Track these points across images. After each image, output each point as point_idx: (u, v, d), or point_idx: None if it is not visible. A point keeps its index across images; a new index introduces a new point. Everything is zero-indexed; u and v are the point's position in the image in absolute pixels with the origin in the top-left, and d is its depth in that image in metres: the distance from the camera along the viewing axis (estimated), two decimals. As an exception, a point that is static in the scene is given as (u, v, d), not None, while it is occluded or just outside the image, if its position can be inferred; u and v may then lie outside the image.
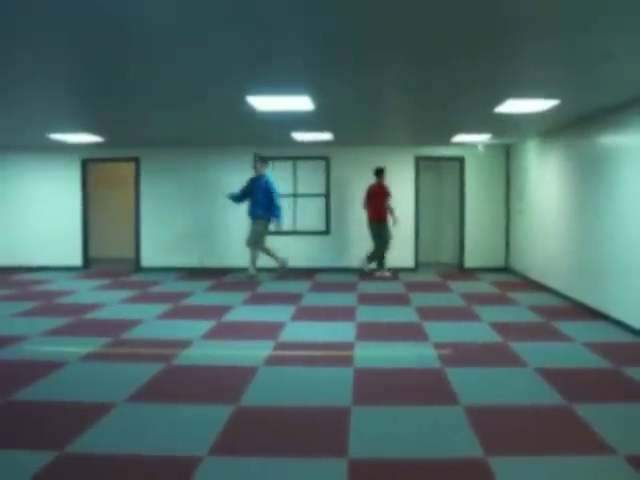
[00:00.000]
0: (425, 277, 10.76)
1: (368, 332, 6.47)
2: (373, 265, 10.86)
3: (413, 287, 9.62)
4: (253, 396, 4.46)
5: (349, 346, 5.88)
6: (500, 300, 8.50)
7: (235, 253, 11.47)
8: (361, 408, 4.21)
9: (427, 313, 7.48)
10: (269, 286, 9.76)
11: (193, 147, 11.59)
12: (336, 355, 5.57)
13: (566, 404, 4.26)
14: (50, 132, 8.99)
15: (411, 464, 3.35)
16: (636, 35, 3.80)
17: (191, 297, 8.69)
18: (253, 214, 10.08)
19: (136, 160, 11.86)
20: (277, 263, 10.53)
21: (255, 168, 10.16)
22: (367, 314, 7.44)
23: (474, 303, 8.19)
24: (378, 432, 3.79)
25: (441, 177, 13.06)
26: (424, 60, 4.55)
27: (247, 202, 10.31)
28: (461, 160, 11.76)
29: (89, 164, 12.21)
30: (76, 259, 12.00)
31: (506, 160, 11.70)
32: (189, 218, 11.83)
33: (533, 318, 7.23)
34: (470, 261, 11.78)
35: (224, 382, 4.79)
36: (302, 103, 6.36)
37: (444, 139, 10.24)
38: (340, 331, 6.51)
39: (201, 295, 8.90)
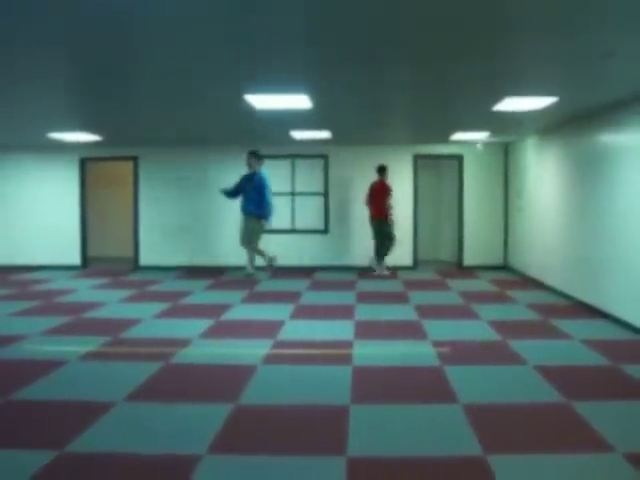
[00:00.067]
0: (424, 275, 10.76)
1: (367, 330, 6.47)
2: (383, 263, 10.83)
3: (412, 285, 9.62)
4: (252, 395, 4.46)
5: (348, 344, 5.89)
6: (499, 298, 8.51)
7: (234, 252, 11.45)
8: (360, 406, 4.21)
9: (426, 311, 7.49)
10: (267, 285, 9.77)
11: (192, 146, 11.58)
12: (335, 353, 5.57)
13: (565, 402, 4.27)
14: (49, 131, 8.98)
15: (410, 462, 3.35)
16: (635, 33, 3.80)
17: (190, 296, 8.69)
18: (245, 210, 9.98)
19: (135, 159, 11.85)
20: (265, 261, 10.42)
21: (249, 165, 10.08)
22: (366, 312, 7.44)
23: (473, 301, 8.19)
24: (377, 430, 3.80)
25: (440, 175, 13.06)
26: (422, 59, 4.55)
27: (240, 198, 10.22)
28: (460, 158, 11.76)
29: (88, 163, 12.19)
30: (75, 258, 12.00)
31: (505, 158, 11.71)
32: (188, 217, 11.82)
33: (532, 316, 7.24)
34: (469, 259, 11.79)
35: (223, 381, 4.80)
36: (300, 101, 6.35)
37: (443, 137, 10.24)
38: (339, 329, 6.52)
39: (200, 294, 8.90)
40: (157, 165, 11.83)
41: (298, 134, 9.60)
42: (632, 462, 3.30)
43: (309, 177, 11.81)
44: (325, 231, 11.80)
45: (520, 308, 7.75)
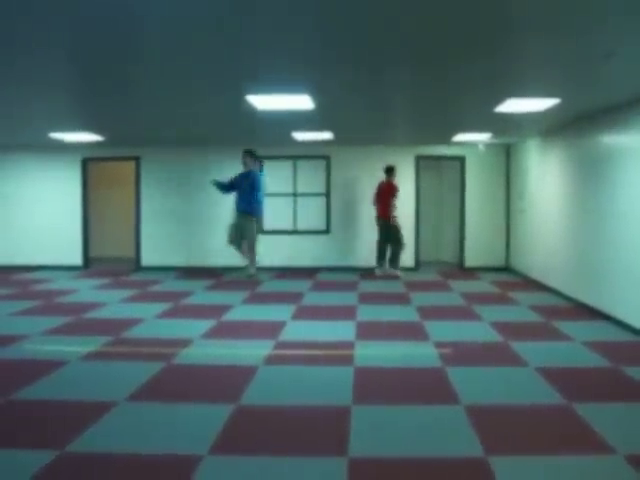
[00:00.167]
0: (426, 276, 10.75)
1: (368, 331, 6.47)
2: (398, 266, 10.80)
3: (413, 286, 9.62)
4: (253, 395, 4.46)
5: (349, 345, 5.88)
6: (501, 300, 8.50)
7: (236, 252, 11.44)
8: (361, 407, 4.21)
9: (427, 312, 7.48)
10: (269, 285, 9.77)
11: (194, 146, 11.59)
12: (336, 354, 5.57)
13: (566, 403, 4.26)
14: (50, 131, 8.99)
15: (411, 463, 3.35)
16: (637, 33, 3.79)
17: (191, 296, 8.69)
18: (240, 208, 9.89)
19: (136, 159, 11.86)
20: (246, 265, 10.28)
21: (244, 163, 10.02)
22: (367, 313, 7.43)
23: (475, 302, 8.18)
24: (378, 431, 3.79)
25: (441, 176, 13.06)
26: (424, 59, 4.55)
27: (234, 196, 10.09)
28: (462, 159, 11.76)
29: (89, 163, 12.20)
30: (76, 258, 12.01)
31: (507, 159, 11.70)
32: (190, 217, 11.83)
33: (533, 318, 7.23)
34: (470, 260, 11.78)
35: (224, 381, 4.80)
36: (302, 102, 6.35)
37: (444, 138, 10.24)
38: (340, 330, 6.51)
39: (201, 294, 8.90)
40: (159, 165, 11.84)
41: (300, 135, 9.60)
42: (633, 464, 3.29)
43: (311, 178, 11.81)
44: (327, 232, 11.80)
45: (522, 310, 7.74)
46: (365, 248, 11.66)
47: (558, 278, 8.75)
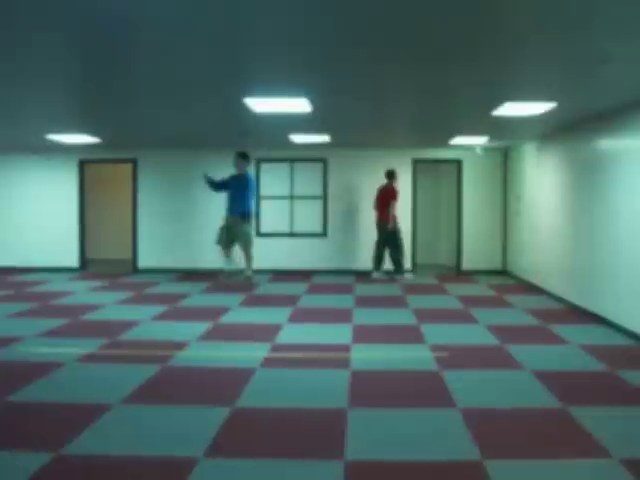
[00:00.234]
0: (422, 280, 10.76)
1: (365, 334, 6.47)
2: (407, 270, 10.78)
3: (410, 289, 9.62)
4: (249, 398, 4.46)
5: (346, 348, 5.88)
6: (497, 303, 8.51)
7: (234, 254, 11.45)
8: (358, 411, 4.21)
9: (424, 316, 7.49)
10: (266, 288, 9.76)
11: (191, 149, 11.59)
12: (333, 357, 5.57)
13: (562, 407, 4.27)
14: (47, 133, 8.98)
15: (407, 467, 3.35)
16: (634, 38, 3.81)
17: (188, 298, 8.69)
18: (233, 212, 9.85)
19: (134, 161, 11.85)
20: (225, 267, 10.19)
21: (237, 166, 10.00)
22: (364, 316, 7.44)
23: (471, 306, 8.19)
24: (375, 434, 3.79)
25: (439, 180, 13.09)
26: (422, 62, 4.56)
27: (226, 198, 10.04)
28: (459, 163, 11.78)
29: (86, 165, 12.20)
30: (73, 260, 11.99)
31: (504, 163, 11.73)
32: (186, 220, 11.83)
33: (530, 321, 7.24)
34: (467, 264, 11.79)
35: (221, 384, 4.79)
36: (300, 105, 6.36)
37: (442, 141, 10.26)
38: (337, 333, 6.51)
39: (198, 297, 8.89)
40: (156, 167, 11.83)
41: (297, 138, 9.61)
42: (628, 468, 3.29)
43: (308, 181, 11.82)
44: (324, 234, 11.81)
45: (518, 313, 7.75)
46: (362, 251, 11.67)
47: (555, 281, 8.77)
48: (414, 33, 3.77)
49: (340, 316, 7.44)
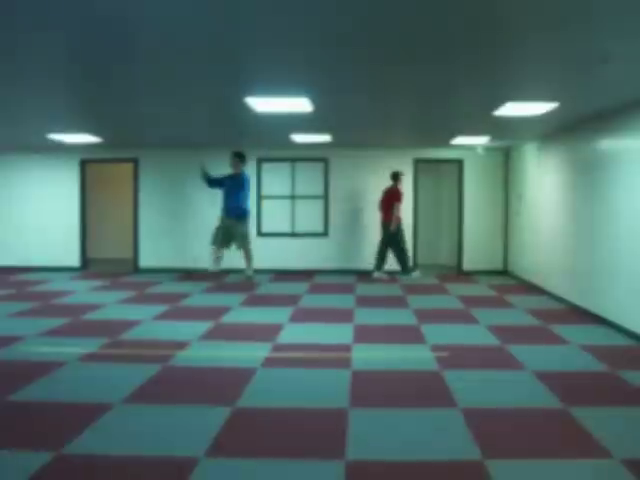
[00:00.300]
0: (423, 279, 10.75)
1: (366, 334, 6.47)
2: (415, 273, 10.77)
3: (411, 289, 9.62)
4: (250, 398, 4.46)
5: (347, 348, 5.88)
6: (498, 303, 8.51)
7: (234, 254, 11.44)
8: (358, 410, 4.21)
9: (425, 316, 7.49)
10: (267, 288, 9.77)
11: (192, 148, 11.59)
12: (334, 357, 5.57)
13: (563, 407, 4.27)
14: (49, 132, 8.99)
15: (408, 467, 3.35)
16: (635, 38, 3.81)
17: (189, 298, 8.69)
18: (230, 213, 9.84)
19: (135, 161, 11.86)
20: (211, 266, 10.17)
21: (233, 165, 9.92)
22: (365, 316, 7.44)
23: (472, 306, 8.19)
24: (375, 434, 3.79)
25: (440, 179, 13.08)
26: (423, 62, 4.56)
27: (221, 197, 10.01)
28: (460, 163, 11.78)
29: (88, 165, 12.20)
30: (74, 260, 12.00)
31: (505, 163, 11.72)
32: (187, 219, 11.83)
33: (531, 321, 7.24)
34: (468, 264, 11.79)
35: (221, 384, 4.79)
36: (301, 105, 6.36)
37: (443, 141, 10.25)
38: (338, 333, 6.51)
39: (199, 296, 8.90)
40: (157, 167, 11.84)
41: (298, 137, 9.61)
42: (629, 468, 3.29)
43: (309, 180, 11.82)
44: (325, 234, 11.80)
45: (519, 313, 7.74)
46: (363, 251, 11.67)
47: (555, 282, 8.76)
48: (415, 33, 3.77)
49: (341, 316, 7.44)
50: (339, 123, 8.03)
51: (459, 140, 9.85)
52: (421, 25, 3.60)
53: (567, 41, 3.92)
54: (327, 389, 4.66)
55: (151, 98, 6.16)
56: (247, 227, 10.01)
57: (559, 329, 6.76)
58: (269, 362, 5.39)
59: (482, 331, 6.66)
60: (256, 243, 11.59)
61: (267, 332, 6.53)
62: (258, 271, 10.97)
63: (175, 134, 9.35)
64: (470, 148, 11.42)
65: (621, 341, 6.25)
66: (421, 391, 4.64)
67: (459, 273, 11.72)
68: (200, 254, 11.52)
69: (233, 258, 10.96)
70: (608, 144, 6.99)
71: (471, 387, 4.72)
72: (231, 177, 9.96)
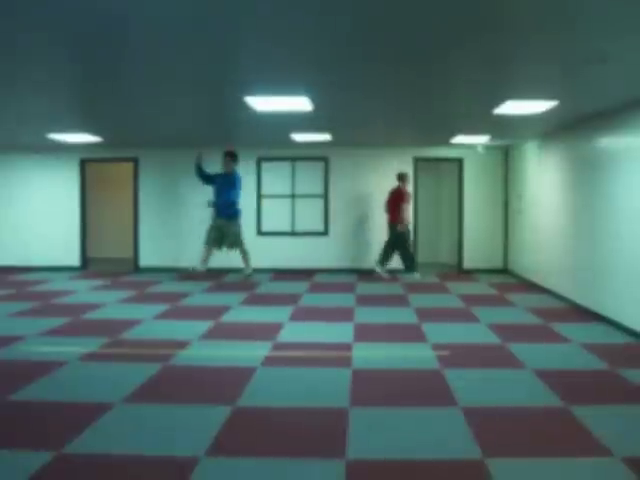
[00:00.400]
0: (424, 278, 10.75)
1: (366, 333, 6.47)
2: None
3: (412, 288, 9.62)
4: (251, 397, 4.46)
5: (347, 347, 5.89)
6: (498, 302, 8.51)
7: (234, 254, 11.45)
8: (359, 409, 4.21)
9: (426, 314, 7.49)
10: (267, 287, 9.77)
11: (192, 148, 11.58)
12: (334, 356, 5.57)
13: (564, 406, 4.27)
14: (49, 132, 8.99)
15: (409, 466, 3.35)
16: (634, 37, 3.81)
17: (189, 297, 8.69)
18: (223, 214, 9.85)
19: (135, 160, 11.86)
20: (198, 266, 10.15)
21: (224, 165, 9.91)
22: (365, 315, 7.44)
23: (473, 304, 8.19)
24: (376, 433, 3.79)
25: (440, 178, 13.08)
26: (423, 61, 4.56)
27: (215, 200, 9.98)
28: (460, 161, 11.77)
29: (88, 164, 12.20)
30: (74, 259, 12.00)
31: (505, 161, 11.72)
32: (188, 219, 11.83)
33: (531, 320, 7.24)
34: (469, 262, 11.79)
35: (222, 383, 4.79)
36: (301, 104, 6.36)
37: (443, 140, 10.25)
38: (338, 332, 6.51)
39: (199, 295, 8.90)
40: (157, 167, 11.83)
41: (298, 136, 9.61)
42: (630, 466, 3.29)
43: (309, 179, 11.82)
44: (325, 233, 11.80)
45: (520, 312, 7.74)
46: (364, 250, 11.67)
47: (556, 280, 8.76)
48: (415, 32, 3.77)
49: (341, 315, 7.44)
50: (339, 122, 8.03)
51: (459, 139, 9.85)
52: (421, 24, 3.60)
53: (566, 41, 3.92)
54: (327, 388, 4.66)
55: (151, 98, 6.15)
56: (239, 227, 10.01)
57: (559, 327, 6.76)
58: (269, 361, 5.39)
59: (483, 330, 6.66)
60: (256, 242, 11.62)
61: (267, 331, 6.53)
62: (258, 270, 10.98)
63: (175, 134, 9.35)
64: (470, 147, 11.42)
65: (621, 339, 6.25)
66: (422, 390, 4.64)
67: (459, 272, 11.72)
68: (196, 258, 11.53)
69: (233, 258, 10.98)
70: (608, 142, 6.99)
71: (472, 386, 4.72)
72: (223, 176, 9.96)
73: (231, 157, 9.92)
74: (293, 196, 11.83)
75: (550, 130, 8.79)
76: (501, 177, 11.72)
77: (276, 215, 11.85)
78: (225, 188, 9.84)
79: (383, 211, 11.26)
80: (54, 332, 6.46)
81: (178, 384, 4.76)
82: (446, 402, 4.36)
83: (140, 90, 5.76)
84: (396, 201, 10.59)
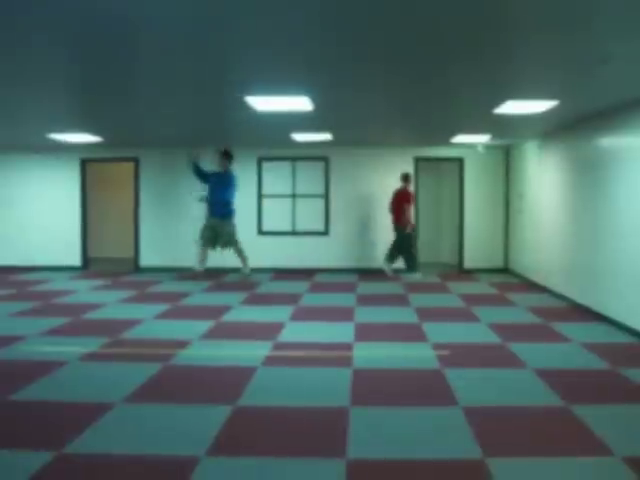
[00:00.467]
0: (424, 278, 10.75)
1: (367, 333, 6.47)
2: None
3: (412, 288, 9.62)
4: (251, 396, 4.46)
5: (348, 347, 5.88)
6: (499, 301, 8.51)
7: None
8: (359, 409, 4.21)
9: (426, 314, 7.48)
10: (267, 286, 9.77)
11: (193, 147, 11.57)
12: (335, 356, 5.57)
13: (564, 405, 4.26)
14: (49, 132, 8.99)
15: (409, 465, 3.35)
16: (634, 39, 3.80)
17: (190, 297, 8.69)
18: (217, 214, 9.84)
19: (135, 160, 11.86)
20: (196, 266, 10.19)
21: (219, 164, 9.91)
22: (366, 315, 7.44)
23: (473, 304, 8.19)
24: (376, 433, 3.79)
25: (441, 178, 13.07)
26: (424, 61, 4.55)
27: (209, 199, 9.98)
28: (461, 161, 11.77)
29: (88, 164, 12.21)
30: (75, 259, 12.00)
31: (505, 161, 11.71)
32: (188, 218, 11.82)
33: (532, 319, 7.23)
34: (469, 262, 11.78)
35: (222, 382, 4.79)
36: (301, 103, 6.36)
37: (444, 140, 10.24)
38: (339, 332, 6.51)
39: (200, 295, 8.90)
40: (158, 166, 11.83)
41: (299, 136, 9.60)
42: (631, 466, 3.29)
43: (310, 179, 11.82)
44: (325, 233, 11.80)
45: (520, 311, 7.74)
46: (364, 249, 11.67)
47: (556, 280, 8.76)
48: (416, 32, 3.76)
49: (342, 314, 7.44)
50: (339, 122, 8.02)
51: (460, 138, 9.84)
52: (423, 24, 3.59)
53: (567, 41, 3.92)
54: (328, 388, 4.66)
55: (150, 98, 6.15)
56: (233, 226, 10.00)
57: (560, 327, 6.76)
58: (270, 361, 5.39)
59: (483, 329, 6.66)
60: (257, 242, 11.63)
61: (268, 331, 6.53)
62: (259, 270, 10.98)
63: (176, 133, 9.35)
64: (471, 146, 11.42)
65: (622, 339, 6.25)
66: (422, 389, 4.64)
67: (460, 271, 11.72)
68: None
69: (233, 258, 10.98)
70: (609, 142, 6.98)
71: (472, 385, 4.72)
72: (218, 175, 9.95)
73: (226, 156, 9.91)
74: (294, 196, 11.83)
75: (551, 130, 8.79)
76: (502, 177, 11.72)
77: (277, 215, 11.85)
78: (220, 187, 9.83)
79: (384, 211, 11.27)
80: (55, 332, 6.47)
81: (179, 384, 4.76)
82: (446, 402, 4.36)
83: (141, 90, 5.76)
84: (401, 202, 10.59)
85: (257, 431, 3.83)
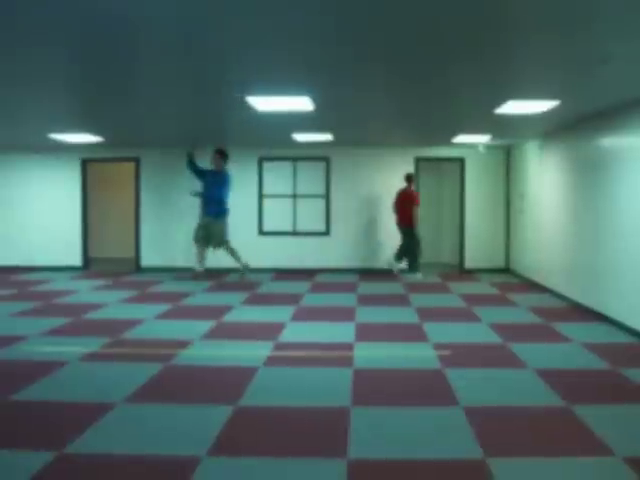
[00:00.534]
0: (425, 278, 10.75)
1: (368, 333, 6.46)
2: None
3: (413, 288, 9.62)
4: (252, 397, 4.46)
5: (349, 347, 5.88)
6: (500, 301, 8.50)
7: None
8: (360, 409, 4.21)
9: (427, 314, 7.48)
10: (268, 287, 9.77)
11: (193, 145, 11.57)
12: (336, 356, 5.57)
13: (565, 405, 4.26)
14: (50, 132, 9.00)
15: (410, 465, 3.35)
16: (634, 39, 3.80)
17: (191, 297, 8.69)
18: (210, 213, 9.86)
19: (136, 160, 11.86)
20: (196, 266, 10.23)
21: (214, 163, 9.91)
22: (367, 315, 7.44)
23: (474, 304, 8.19)
24: (377, 433, 3.79)
25: (441, 178, 13.07)
26: (425, 61, 4.55)
27: (204, 197, 10.02)
28: (461, 161, 11.77)
29: (89, 164, 12.21)
30: (76, 259, 12.01)
31: (506, 161, 11.71)
32: (189, 218, 11.82)
33: (533, 319, 7.23)
34: (470, 262, 11.78)
35: (223, 382, 4.79)
36: (302, 104, 6.36)
37: (444, 140, 10.24)
38: (340, 332, 6.51)
39: (201, 295, 8.90)
40: (158, 166, 11.84)
41: (300, 136, 9.60)
42: (631, 466, 3.29)
43: (311, 179, 11.82)
44: (326, 233, 11.80)
45: (521, 311, 7.74)
46: (365, 250, 11.67)
47: (557, 280, 8.75)
48: (416, 32, 3.76)
49: (343, 314, 7.44)
50: (340, 122, 8.02)
51: (460, 138, 9.84)
52: (422, 24, 3.59)
53: (567, 42, 3.92)
54: (329, 388, 4.66)
55: (150, 98, 6.15)
56: (224, 225, 10.00)
57: (561, 327, 6.76)
58: (271, 361, 5.39)
59: (484, 329, 6.66)
60: (258, 242, 11.64)
61: (269, 331, 6.53)
62: (260, 270, 10.98)
63: (176, 134, 9.35)
64: (471, 146, 11.41)
65: (623, 339, 6.24)
66: (423, 389, 4.63)
67: (461, 271, 11.72)
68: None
69: (231, 258, 10.96)
70: (610, 142, 6.97)
71: (473, 385, 4.72)
72: (212, 173, 9.96)
73: (220, 155, 9.91)
74: (294, 196, 11.83)
75: (551, 130, 8.78)
76: (502, 177, 11.72)
77: (277, 215, 11.85)
78: (214, 186, 9.84)
79: (385, 211, 11.26)
80: (56, 332, 6.47)
81: (179, 384, 4.76)
82: (447, 402, 4.36)
83: (141, 90, 5.76)
84: (405, 202, 10.58)
85: (258, 431, 3.83)
